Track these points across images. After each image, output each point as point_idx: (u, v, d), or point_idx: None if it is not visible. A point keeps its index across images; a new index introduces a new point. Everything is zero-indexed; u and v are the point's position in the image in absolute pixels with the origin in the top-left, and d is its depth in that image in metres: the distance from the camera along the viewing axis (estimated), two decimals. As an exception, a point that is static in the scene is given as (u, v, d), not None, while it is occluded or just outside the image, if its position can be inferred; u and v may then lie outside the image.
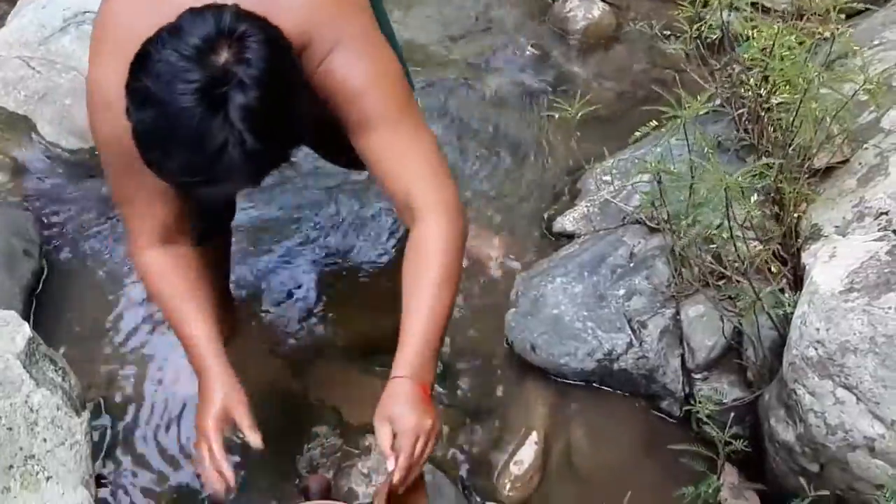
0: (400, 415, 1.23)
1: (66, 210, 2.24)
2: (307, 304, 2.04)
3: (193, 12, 1.12)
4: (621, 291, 1.80)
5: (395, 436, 1.24)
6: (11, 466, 1.16)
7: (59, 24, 2.49)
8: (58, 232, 2.19)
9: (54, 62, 2.44)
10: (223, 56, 1.09)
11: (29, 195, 2.27)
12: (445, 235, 1.28)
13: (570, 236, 2.08)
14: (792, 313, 1.44)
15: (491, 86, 2.57)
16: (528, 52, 2.68)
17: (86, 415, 1.28)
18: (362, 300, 2.05)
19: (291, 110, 1.16)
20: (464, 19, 2.79)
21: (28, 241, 2.08)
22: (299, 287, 2.08)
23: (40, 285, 2.05)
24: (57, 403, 1.24)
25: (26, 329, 1.29)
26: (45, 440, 1.21)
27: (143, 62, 1.10)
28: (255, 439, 1.33)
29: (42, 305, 2.01)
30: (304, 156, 2.13)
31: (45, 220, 2.20)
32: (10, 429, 1.17)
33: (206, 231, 1.65)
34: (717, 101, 2.03)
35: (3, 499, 1.13)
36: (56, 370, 1.30)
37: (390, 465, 1.21)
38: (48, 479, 1.19)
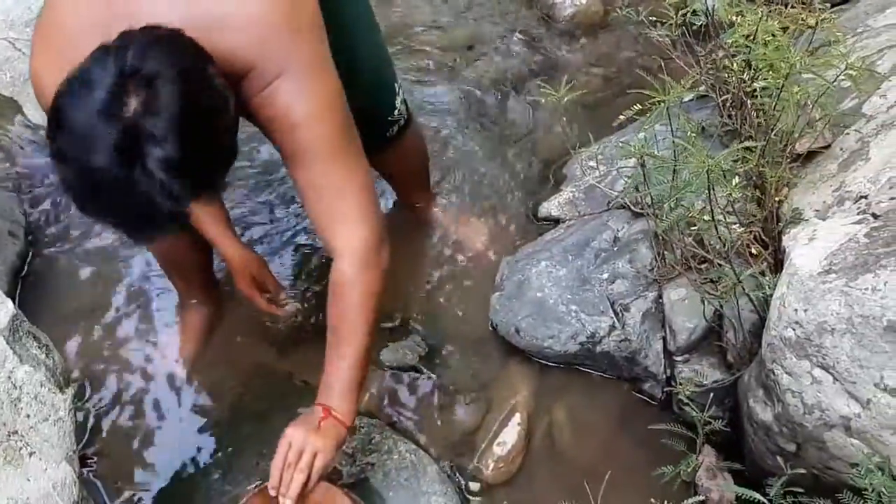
0: (293, 431, 1.37)
1: (52, 192, 2.23)
2: (292, 288, 2.05)
3: (98, 55, 1.08)
4: (605, 275, 1.82)
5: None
6: (-6, 442, 1.17)
7: (45, 5, 2.48)
8: (43, 214, 2.18)
9: (40, 44, 2.43)
10: (132, 106, 1.05)
11: (14, 177, 2.26)
12: (362, 283, 1.37)
13: (555, 221, 2.09)
14: (772, 296, 1.45)
15: (478, 71, 2.57)
16: (515, 38, 2.69)
17: (70, 391, 1.29)
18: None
19: (217, 135, 1.14)
20: (452, 4, 2.79)
21: (13, 223, 2.08)
22: (284, 270, 2.09)
23: (25, 267, 2.05)
24: (40, 380, 1.24)
25: (9, 305, 1.29)
26: (28, 416, 1.21)
27: (58, 119, 1.07)
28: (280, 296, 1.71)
29: (27, 287, 2.01)
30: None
31: (31, 202, 2.20)
32: (-6, 404, 1.18)
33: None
34: (702, 88, 2.04)
35: (-13, 473, 1.14)
36: (40, 347, 1.30)
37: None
38: (31, 454, 1.19)
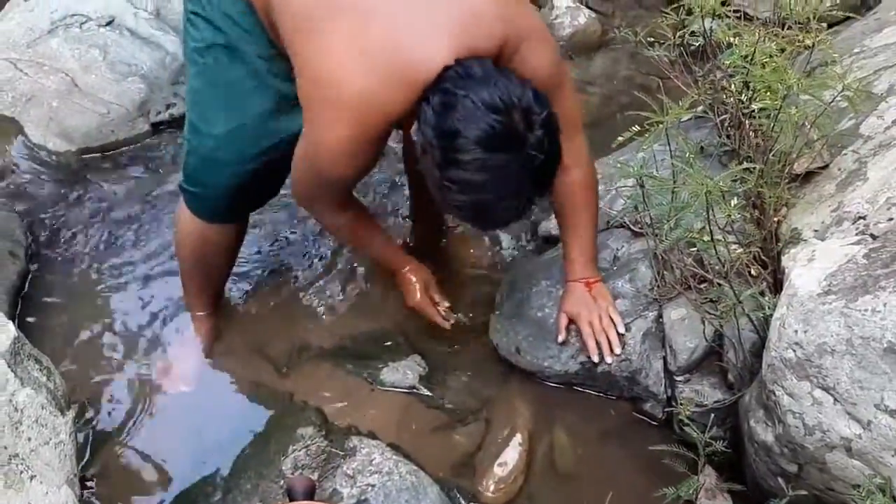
0: (579, 309, 1.77)
1: (52, 211, 2.24)
2: (294, 307, 2.05)
3: (492, 79, 1.36)
4: (605, 294, 1.82)
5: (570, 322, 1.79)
6: (-5, 465, 1.16)
7: (47, 26, 2.50)
8: (43, 233, 2.19)
9: (42, 64, 2.45)
10: (521, 124, 1.35)
11: (15, 197, 2.27)
12: (589, 176, 1.75)
13: (554, 240, 2.09)
14: (772, 316, 1.46)
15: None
16: (514, 58, 2.70)
17: (70, 414, 1.29)
18: (350, 304, 2.06)
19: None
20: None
21: (14, 243, 2.08)
22: (283, 289, 2.09)
23: (26, 286, 2.05)
24: (42, 402, 1.24)
25: (11, 328, 1.29)
26: (29, 439, 1.21)
27: (457, 148, 1.34)
28: (447, 303, 1.87)
29: (28, 306, 2.01)
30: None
31: (31, 222, 2.21)
32: (-6, 428, 1.18)
33: (247, 208, 1.84)
34: (700, 108, 2.05)
35: (-13, 497, 1.14)
36: (41, 370, 1.30)
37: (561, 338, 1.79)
38: (32, 478, 1.19)
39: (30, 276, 2.08)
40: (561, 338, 1.77)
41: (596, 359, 1.73)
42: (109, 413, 1.83)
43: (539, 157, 1.36)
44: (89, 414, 1.80)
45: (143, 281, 2.09)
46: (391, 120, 1.44)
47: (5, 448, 1.17)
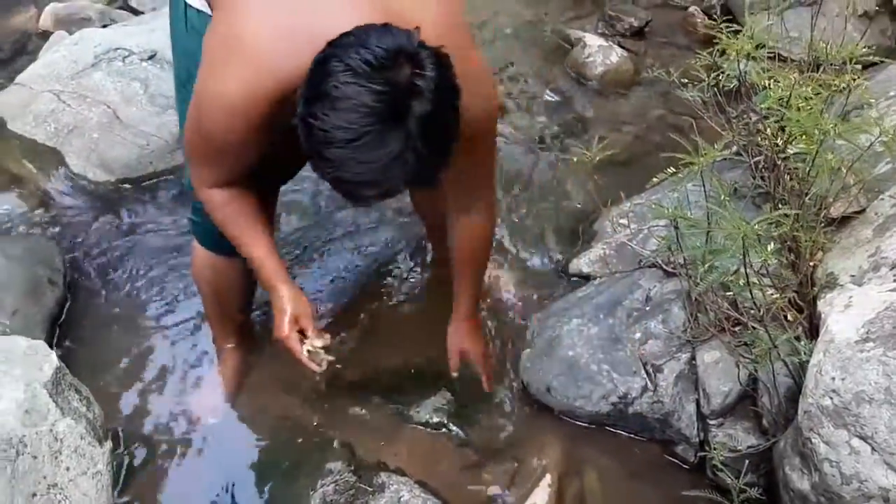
0: (466, 345, 1.83)
1: (91, 240, 2.29)
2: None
3: (377, 28, 1.20)
4: (637, 335, 1.81)
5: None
6: (35, 494, 1.18)
7: (91, 59, 2.57)
8: (82, 262, 2.23)
9: (85, 96, 2.51)
10: (405, 70, 1.17)
11: (55, 225, 2.32)
12: (489, 228, 1.74)
13: (585, 277, 2.10)
14: (807, 361, 1.44)
15: (509, 127, 2.61)
16: (546, 96, 2.73)
17: (108, 445, 1.30)
18: (379, 337, 2.07)
19: (456, 128, 1.26)
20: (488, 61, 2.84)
21: (53, 270, 2.12)
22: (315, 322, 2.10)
23: (63, 314, 2.09)
24: (81, 433, 1.25)
25: (53, 358, 1.31)
26: (67, 469, 1.23)
27: (329, 68, 1.18)
28: (319, 342, 1.57)
29: (65, 334, 2.05)
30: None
31: (70, 250, 2.25)
32: (35, 457, 1.19)
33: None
34: (734, 149, 2.05)
35: (26, 527, 1.15)
36: (81, 399, 1.32)
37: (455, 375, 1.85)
38: (69, 508, 1.21)
39: (67, 303, 2.11)
40: (455, 375, 1.85)
41: (490, 389, 1.87)
42: (140, 444, 1.83)
43: (424, 108, 1.18)
44: (123, 443, 1.81)
45: (177, 311, 2.11)
46: (282, 87, 1.30)
47: (44, 478, 1.19)
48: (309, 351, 1.55)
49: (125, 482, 1.73)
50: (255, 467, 1.82)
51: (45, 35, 2.86)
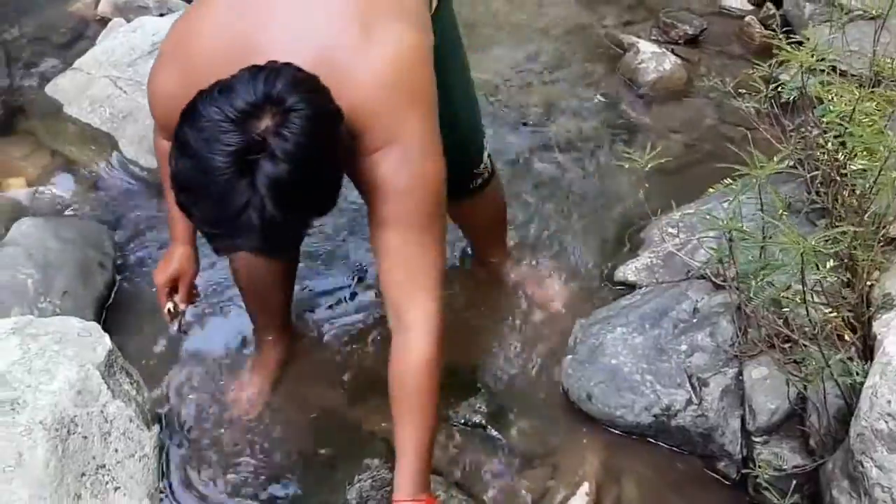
0: None
1: (140, 225, 2.32)
2: (364, 334, 2.06)
3: (249, 73, 1.16)
4: (683, 346, 1.79)
5: None
6: (84, 474, 1.20)
7: (148, 47, 2.60)
8: (131, 246, 2.26)
9: (140, 83, 2.54)
10: (264, 123, 1.13)
11: (106, 209, 2.36)
12: (428, 353, 1.38)
13: (631, 286, 2.07)
14: (861, 383, 1.41)
15: (557, 130, 2.59)
16: (596, 100, 2.71)
17: (155, 429, 1.32)
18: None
19: (325, 183, 1.20)
20: (535, 64, 2.83)
21: (103, 254, 2.15)
22: (357, 315, 2.11)
23: (111, 298, 2.12)
24: (130, 416, 1.27)
25: (107, 340, 1.33)
26: (116, 450, 1.24)
27: (191, 114, 1.16)
28: (182, 305, 1.64)
29: (112, 317, 2.07)
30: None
31: (120, 235, 2.28)
32: (86, 437, 1.21)
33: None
34: (789, 162, 2.02)
35: (74, 505, 1.17)
36: (131, 383, 1.34)
37: None
38: (116, 489, 1.22)
39: (116, 286, 2.15)
40: None
41: None
42: (181, 430, 1.85)
43: (273, 169, 1.13)
44: (165, 427, 1.83)
45: (221, 299, 2.13)
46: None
47: (94, 458, 1.21)
48: (170, 308, 1.64)
49: (166, 467, 1.76)
50: (293, 458, 1.83)
51: (103, 21, 2.89)
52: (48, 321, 1.33)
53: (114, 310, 2.09)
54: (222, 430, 1.86)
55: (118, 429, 1.25)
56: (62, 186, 2.41)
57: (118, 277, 2.16)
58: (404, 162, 1.27)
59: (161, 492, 1.67)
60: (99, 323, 2.00)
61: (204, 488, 1.75)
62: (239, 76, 1.17)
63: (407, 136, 1.27)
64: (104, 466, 1.22)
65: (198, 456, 1.81)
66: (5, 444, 1.14)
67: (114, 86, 2.55)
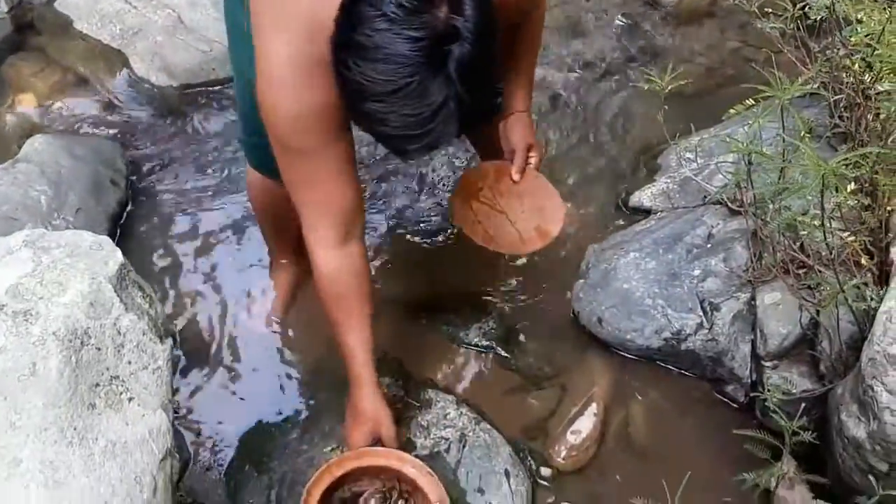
0: (532, 140, 1.65)
1: (152, 143, 2.31)
2: (374, 262, 2.06)
3: None
4: (696, 271, 1.78)
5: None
6: (98, 384, 1.21)
7: (157, -40, 2.54)
8: (143, 164, 2.25)
9: (150, -1, 2.49)
10: (442, 9, 1.08)
11: (118, 127, 2.34)
12: (543, 17, 1.63)
13: (646, 211, 2.05)
14: (876, 308, 1.40)
15: (576, 51, 2.53)
16: (617, 22, 2.63)
17: (168, 342, 1.33)
18: (434, 259, 2.06)
19: (494, 58, 1.16)
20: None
21: (115, 171, 2.15)
22: (372, 241, 2.10)
23: (124, 215, 2.12)
24: (143, 329, 1.28)
25: (118, 255, 1.33)
26: (129, 363, 1.26)
27: (358, 17, 1.09)
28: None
29: (124, 234, 2.08)
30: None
31: (132, 152, 2.27)
32: (99, 349, 1.22)
33: None
34: (814, 85, 1.96)
35: (89, 414, 1.19)
36: (144, 297, 1.35)
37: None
38: (130, 399, 1.24)
39: (128, 204, 2.15)
40: (534, 162, 1.67)
41: (517, 177, 1.63)
42: (193, 346, 1.88)
43: (464, 52, 1.10)
44: (178, 343, 1.86)
45: (234, 218, 2.13)
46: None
47: (107, 369, 1.22)
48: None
49: (178, 382, 1.79)
50: (304, 376, 1.86)
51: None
52: (60, 234, 1.33)
53: (126, 227, 2.10)
54: (233, 348, 1.89)
55: (131, 341, 1.27)
56: (74, 104, 2.39)
57: (130, 195, 2.16)
58: None
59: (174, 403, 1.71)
60: (113, 239, 2.03)
61: (215, 401, 1.79)
62: None
63: None
64: (118, 377, 1.23)
65: (209, 373, 1.84)
66: (20, 354, 1.15)
67: (124, 1, 2.50)
